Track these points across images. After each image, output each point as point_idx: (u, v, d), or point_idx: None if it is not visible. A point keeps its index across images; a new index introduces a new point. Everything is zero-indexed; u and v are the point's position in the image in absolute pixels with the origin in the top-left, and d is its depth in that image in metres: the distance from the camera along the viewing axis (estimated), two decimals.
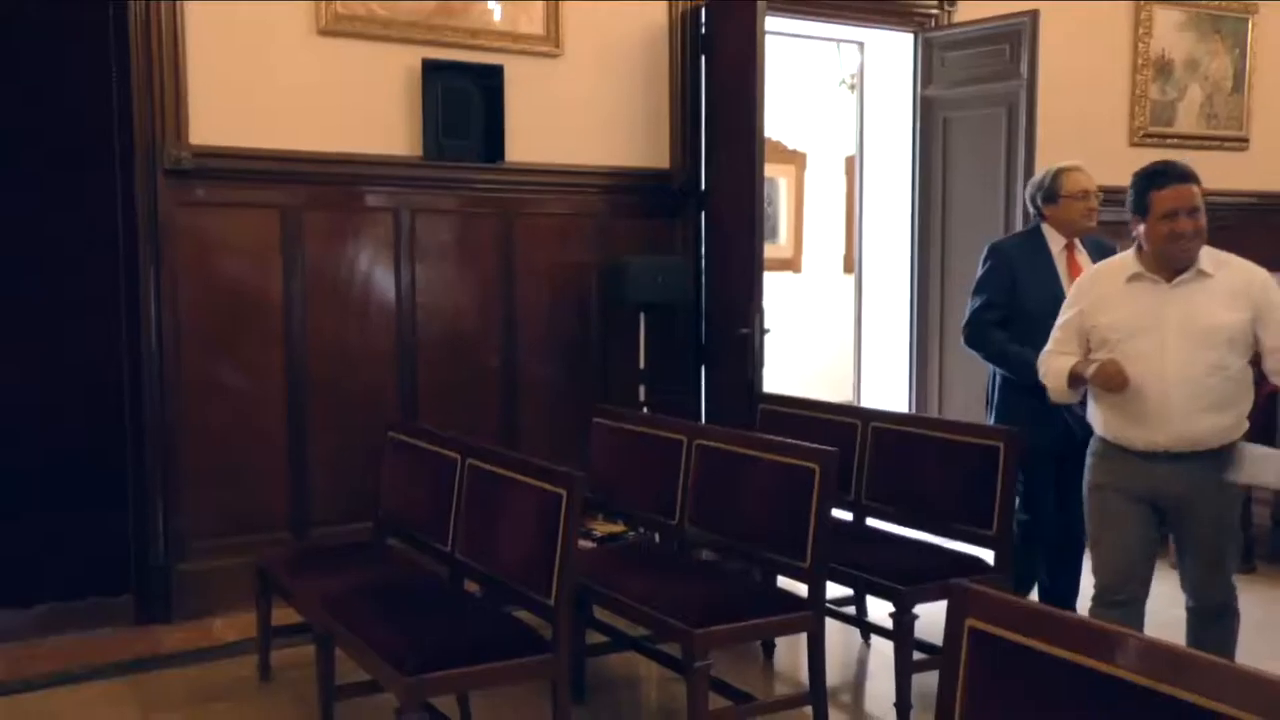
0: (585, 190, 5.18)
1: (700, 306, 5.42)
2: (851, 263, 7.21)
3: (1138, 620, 3.14)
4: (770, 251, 6.77)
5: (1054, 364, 3.28)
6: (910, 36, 5.97)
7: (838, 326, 7.78)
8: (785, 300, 8.01)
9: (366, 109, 4.69)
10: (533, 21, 5.02)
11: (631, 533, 4.22)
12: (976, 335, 3.99)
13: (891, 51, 6.15)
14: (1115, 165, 4.20)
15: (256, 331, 4.55)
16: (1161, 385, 3.04)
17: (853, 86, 7.30)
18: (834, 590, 3.68)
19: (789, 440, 3.54)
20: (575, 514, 2.93)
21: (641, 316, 5.16)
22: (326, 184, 4.64)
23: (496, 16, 4.93)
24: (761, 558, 3.53)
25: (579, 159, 5.14)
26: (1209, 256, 3.08)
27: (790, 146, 9.06)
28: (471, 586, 3.51)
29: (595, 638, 3.83)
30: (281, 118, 4.52)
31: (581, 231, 5.19)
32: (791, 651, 4.08)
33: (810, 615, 3.25)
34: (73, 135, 4.22)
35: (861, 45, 6.41)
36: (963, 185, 5.81)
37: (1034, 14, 5.42)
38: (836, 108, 8.75)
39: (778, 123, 8.28)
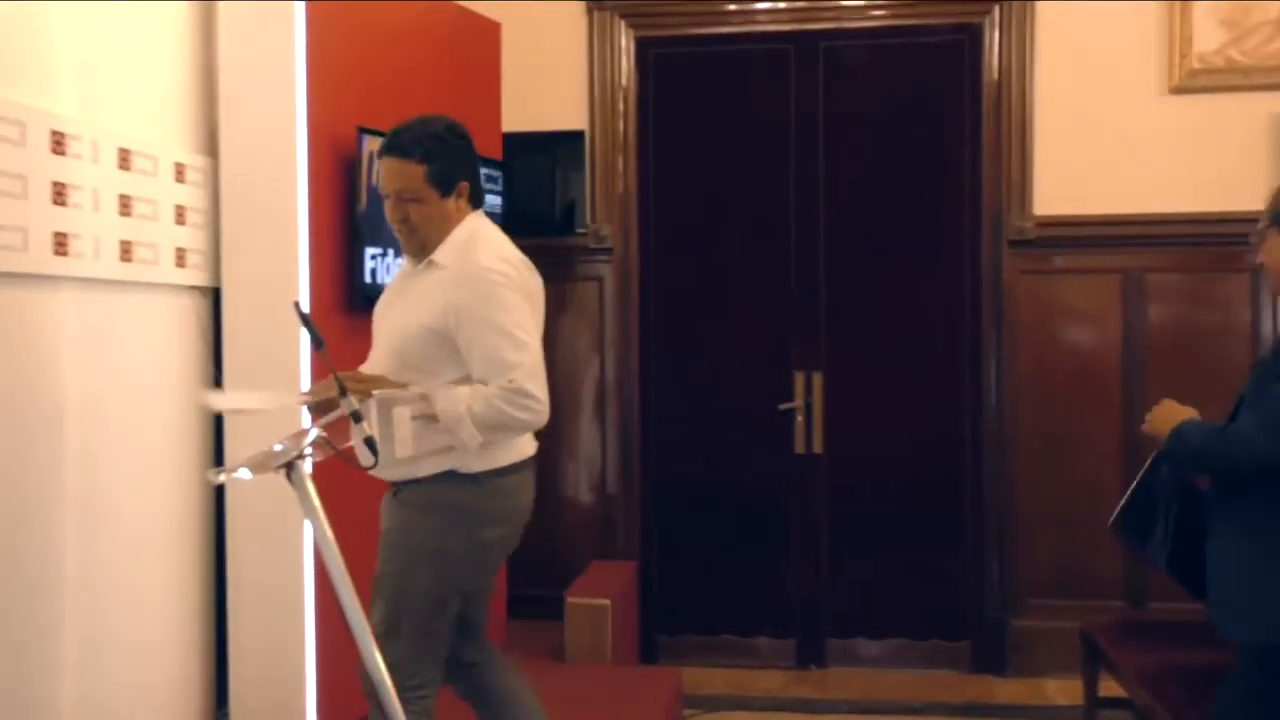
0: None
1: None
2: None
3: None
4: None
5: None
6: None
7: None
8: None
9: (1217, 164, 4.44)
10: None
11: None
12: None
13: None
14: None
15: (1092, 392, 4.56)
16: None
17: None
18: None
19: None
20: None
21: None
22: (1171, 245, 4.51)
23: None
24: None
25: None
26: (459, 244, 2.52)
27: None
28: None
29: None
30: (1125, 181, 4.50)
31: None
32: None
33: None
34: (928, 204, 4.72)
35: None
36: None
37: None
38: None
39: None
